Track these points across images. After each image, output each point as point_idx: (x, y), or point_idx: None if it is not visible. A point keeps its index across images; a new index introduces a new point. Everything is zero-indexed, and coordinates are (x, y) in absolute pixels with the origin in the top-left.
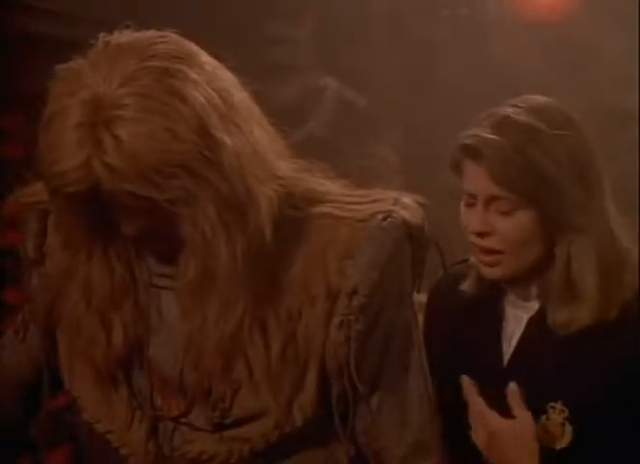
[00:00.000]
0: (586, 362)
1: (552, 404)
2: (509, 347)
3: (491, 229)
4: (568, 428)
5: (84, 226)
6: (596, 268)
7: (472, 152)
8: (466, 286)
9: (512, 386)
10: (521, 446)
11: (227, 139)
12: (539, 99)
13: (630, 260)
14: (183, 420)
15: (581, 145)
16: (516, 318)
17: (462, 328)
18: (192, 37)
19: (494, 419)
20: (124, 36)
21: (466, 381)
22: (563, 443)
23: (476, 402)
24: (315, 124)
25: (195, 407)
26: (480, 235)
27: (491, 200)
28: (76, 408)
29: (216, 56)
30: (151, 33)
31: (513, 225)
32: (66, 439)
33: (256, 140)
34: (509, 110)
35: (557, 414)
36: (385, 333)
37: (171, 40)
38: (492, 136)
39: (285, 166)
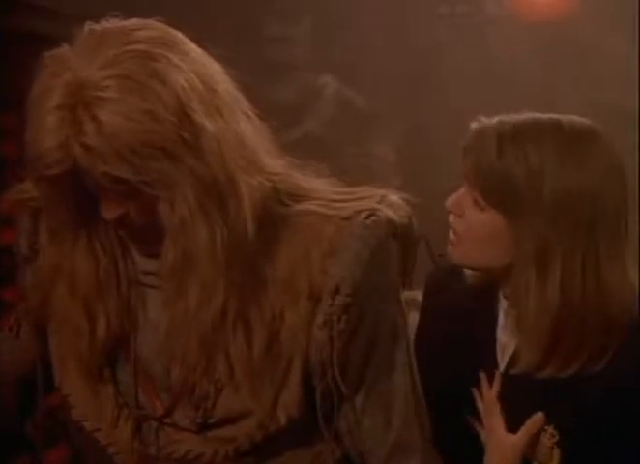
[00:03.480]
0: (580, 388)
1: (544, 427)
2: (502, 357)
3: (461, 212)
4: (557, 452)
5: (69, 217)
6: (553, 308)
7: (468, 136)
8: (468, 275)
9: (540, 415)
10: (498, 459)
11: (208, 124)
12: (583, 121)
13: (618, 295)
14: (167, 420)
15: (585, 175)
16: (509, 328)
17: (459, 327)
18: (191, 35)
19: (498, 423)
20: (109, 24)
21: (484, 378)
22: None
23: (491, 400)
24: (313, 122)
25: (179, 407)
26: (451, 213)
27: (474, 187)
28: (66, 406)
29: (205, 48)
30: (135, 20)
31: (478, 219)
32: (63, 437)
33: (241, 130)
34: (539, 116)
35: (547, 437)
36: (369, 333)
37: (156, 27)
38: (488, 129)
39: (273, 163)
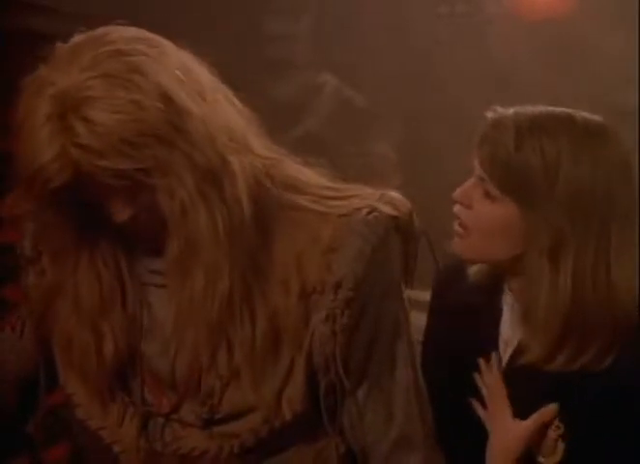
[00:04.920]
0: (582, 384)
1: None
2: (505, 350)
3: (469, 203)
4: (561, 445)
5: (70, 239)
6: (564, 299)
7: (484, 125)
8: (472, 271)
9: (553, 406)
10: (498, 447)
11: (193, 107)
12: (592, 116)
13: (624, 291)
14: (173, 416)
15: (597, 168)
16: (513, 323)
17: (463, 326)
18: (191, 34)
19: (503, 406)
20: (78, 37)
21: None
22: (554, 459)
23: (494, 383)
24: (313, 120)
25: (185, 403)
26: (459, 204)
27: (482, 179)
28: (71, 404)
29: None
30: (102, 28)
31: (488, 211)
32: (64, 435)
33: (227, 114)
34: (552, 108)
35: (552, 430)
36: (371, 327)
37: (124, 28)
38: (505, 119)
39: (263, 147)
